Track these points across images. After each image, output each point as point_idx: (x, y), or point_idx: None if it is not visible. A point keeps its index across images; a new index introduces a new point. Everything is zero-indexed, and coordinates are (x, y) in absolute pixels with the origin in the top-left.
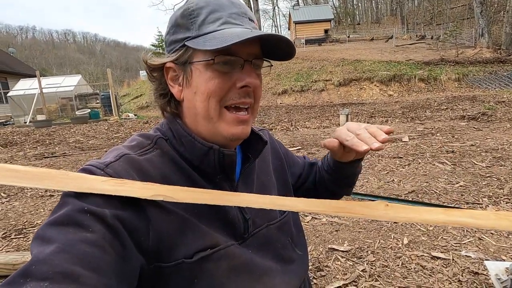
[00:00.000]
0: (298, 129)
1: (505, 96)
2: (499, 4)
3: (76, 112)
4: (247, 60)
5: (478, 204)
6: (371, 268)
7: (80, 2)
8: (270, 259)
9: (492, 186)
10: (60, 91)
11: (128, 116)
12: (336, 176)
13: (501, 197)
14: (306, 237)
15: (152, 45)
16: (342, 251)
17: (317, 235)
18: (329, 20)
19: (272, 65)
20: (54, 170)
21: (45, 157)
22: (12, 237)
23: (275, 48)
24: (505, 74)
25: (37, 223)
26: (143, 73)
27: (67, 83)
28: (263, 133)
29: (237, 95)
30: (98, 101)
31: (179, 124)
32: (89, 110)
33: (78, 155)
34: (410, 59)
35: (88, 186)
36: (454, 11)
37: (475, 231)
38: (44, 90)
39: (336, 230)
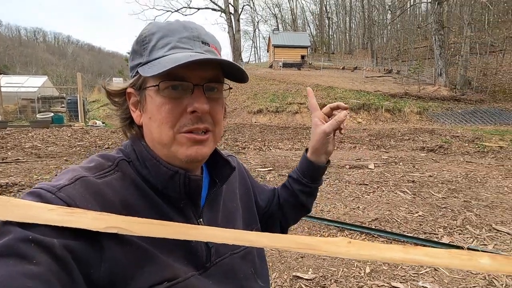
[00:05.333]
0: (270, 149)
1: (459, 131)
2: (455, 48)
3: (37, 115)
4: (198, 85)
5: (434, 234)
6: None
7: (55, 1)
8: None
9: (447, 217)
10: (21, 92)
11: (96, 123)
12: (307, 180)
13: (454, 228)
14: (271, 264)
15: (128, 53)
16: (307, 279)
17: (283, 261)
18: (306, 47)
19: (231, 88)
20: None
21: None
22: None
23: (233, 71)
24: (459, 111)
25: None
26: (116, 80)
27: (30, 83)
28: (231, 159)
29: (189, 120)
30: (63, 105)
31: (143, 146)
32: (52, 114)
33: (33, 162)
34: (378, 90)
35: (32, 214)
36: (417, 50)
37: None
38: (3, 89)
39: (302, 257)
